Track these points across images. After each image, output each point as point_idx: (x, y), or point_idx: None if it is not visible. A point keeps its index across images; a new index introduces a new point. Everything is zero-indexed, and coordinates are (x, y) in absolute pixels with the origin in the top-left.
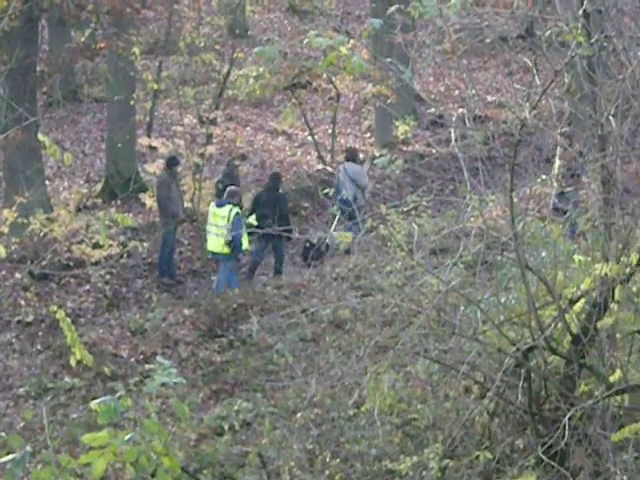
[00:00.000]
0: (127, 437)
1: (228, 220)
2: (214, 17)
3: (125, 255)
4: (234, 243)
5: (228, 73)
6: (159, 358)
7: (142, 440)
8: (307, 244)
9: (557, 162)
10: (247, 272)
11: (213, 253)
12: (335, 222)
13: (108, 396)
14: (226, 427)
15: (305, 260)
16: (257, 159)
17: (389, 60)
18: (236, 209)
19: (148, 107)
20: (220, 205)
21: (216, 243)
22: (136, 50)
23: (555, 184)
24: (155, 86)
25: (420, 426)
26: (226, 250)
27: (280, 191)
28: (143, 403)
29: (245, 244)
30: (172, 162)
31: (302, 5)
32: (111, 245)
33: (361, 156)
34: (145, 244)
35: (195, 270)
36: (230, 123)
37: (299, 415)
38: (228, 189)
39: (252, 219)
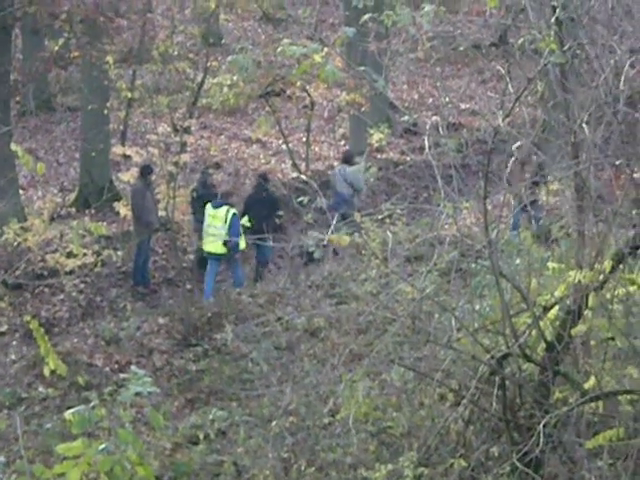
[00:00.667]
0: (101, 447)
1: (225, 221)
2: (188, 26)
3: (99, 264)
4: (231, 243)
5: (202, 82)
6: (133, 367)
7: (116, 450)
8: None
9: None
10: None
11: (210, 254)
12: (334, 222)
13: (82, 406)
14: (201, 436)
15: (306, 263)
16: (231, 167)
17: (363, 68)
18: (233, 210)
19: (122, 116)
20: (216, 206)
21: (213, 244)
22: (110, 59)
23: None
24: (129, 95)
25: (395, 434)
26: (223, 250)
27: (268, 191)
28: (117, 412)
29: (242, 244)
30: (146, 171)
31: (276, 13)
32: (85, 254)
33: (357, 159)
34: (119, 253)
35: (170, 279)
36: (204, 131)
37: (274, 423)
38: (222, 190)
39: (245, 221)
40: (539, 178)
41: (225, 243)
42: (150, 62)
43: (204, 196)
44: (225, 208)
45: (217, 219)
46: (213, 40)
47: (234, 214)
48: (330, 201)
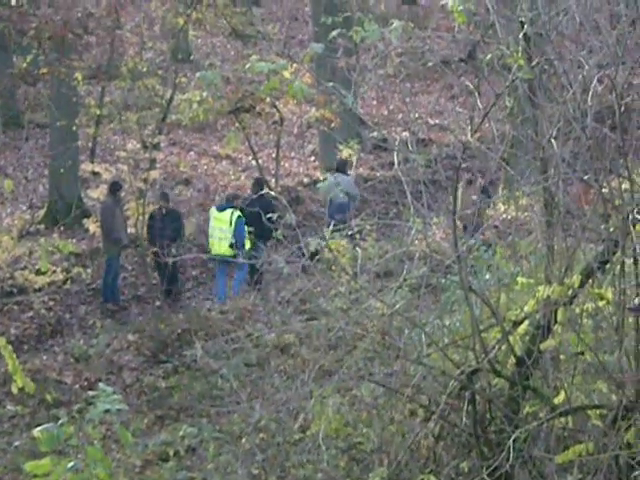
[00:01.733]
0: (70, 464)
1: (230, 224)
2: (157, 42)
3: (68, 281)
4: (238, 245)
5: (171, 98)
6: (102, 385)
7: (85, 467)
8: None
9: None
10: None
11: (217, 256)
12: (330, 229)
13: (51, 423)
14: (171, 453)
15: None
16: (201, 184)
17: (332, 84)
18: (237, 212)
19: (91, 132)
20: (221, 210)
21: (220, 246)
22: (78, 75)
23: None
24: (98, 111)
25: (365, 450)
26: (230, 252)
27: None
28: (86, 430)
29: (247, 245)
30: (115, 187)
31: (245, 30)
32: (54, 271)
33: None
34: (89, 270)
35: (139, 295)
36: (174, 148)
37: (244, 440)
38: (227, 193)
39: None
40: (484, 200)
41: (231, 245)
42: (119, 78)
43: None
44: (229, 211)
45: (222, 222)
46: (182, 56)
47: (239, 216)
48: (325, 209)
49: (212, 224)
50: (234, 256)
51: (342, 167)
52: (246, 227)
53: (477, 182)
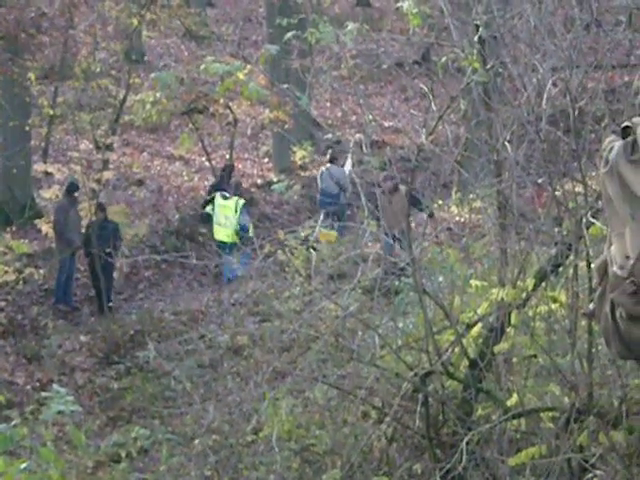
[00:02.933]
0: (23, 465)
1: (236, 211)
2: (110, 42)
3: (21, 282)
4: (243, 231)
5: (124, 98)
6: (55, 386)
7: (38, 468)
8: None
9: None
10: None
11: (222, 242)
12: (322, 219)
13: (3, 424)
14: (123, 454)
15: None
16: (154, 184)
17: (286, 86)
18: (242, 200)
19: (44, 133)
20: (226, 198)
21: (225, 233)
22: (31, 75)
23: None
24: (51, 112)
25: (318, 452)
26: (235, 238)
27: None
28: (39, 431)
29: (251, 231)
30: (72, 188)
31: (199, 30)
32: (6, 272)
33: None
34: (41, 271)
35: (92, 297)
36: (127, 148)
37: (197, 442)
38: (232, 181)
39: (209, 209)
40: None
41: (237, 231)
42: (72, 79)
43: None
44: (235, 198)
45: (227, 209)
46: (136, 57)
47: (243, 204)
48: (317, 199)
49: (217, 211)
50: (236, 242)
51: (334, 158)
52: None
53: (400, 191)
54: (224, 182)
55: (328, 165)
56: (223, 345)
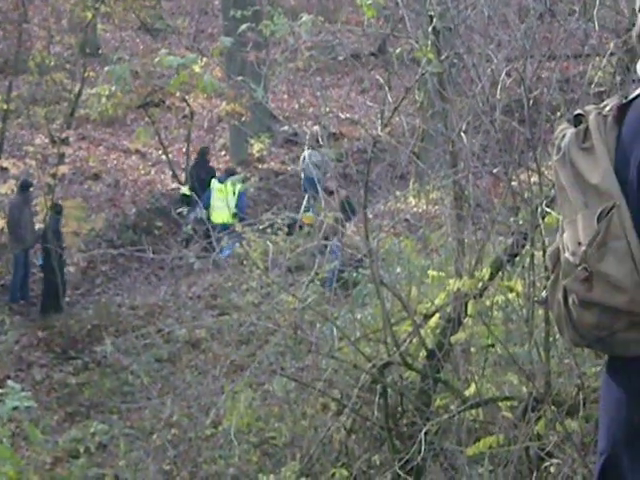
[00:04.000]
0: None
1: (233, 193)
2: (65, 36)
3: None
4: (240, 212)
5: (79, 92)
6: (10, 382)
7: None
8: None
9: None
10: None
11: (219, 224)
12: (304, 203)
13: None
14: (82, 450)
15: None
16: (111, 178)
17: (241, 78)
18: (239, 184)
19: None
20: (222, 181)
21: (222, 215)
22: None
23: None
24: (5, 106)
25: (278, 444)
26: (232, 220)
27: (210, 165)
28: None
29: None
30: (25, 185)
31: (154, 23)
32: None
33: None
34: None
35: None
36: (82, 142)
37: (155, 436)
38: (226, 167)
39: (186, 190)
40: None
41: (234, 214)
42: (27, 73)
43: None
44: (229, 182)
45: (224, 192)
46: (90, 50)
47: (241, 188)
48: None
49: (214, 195)
50: (234, 223)
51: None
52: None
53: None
54: (200, 166)
55: (309, 151)
56: (181, 339)
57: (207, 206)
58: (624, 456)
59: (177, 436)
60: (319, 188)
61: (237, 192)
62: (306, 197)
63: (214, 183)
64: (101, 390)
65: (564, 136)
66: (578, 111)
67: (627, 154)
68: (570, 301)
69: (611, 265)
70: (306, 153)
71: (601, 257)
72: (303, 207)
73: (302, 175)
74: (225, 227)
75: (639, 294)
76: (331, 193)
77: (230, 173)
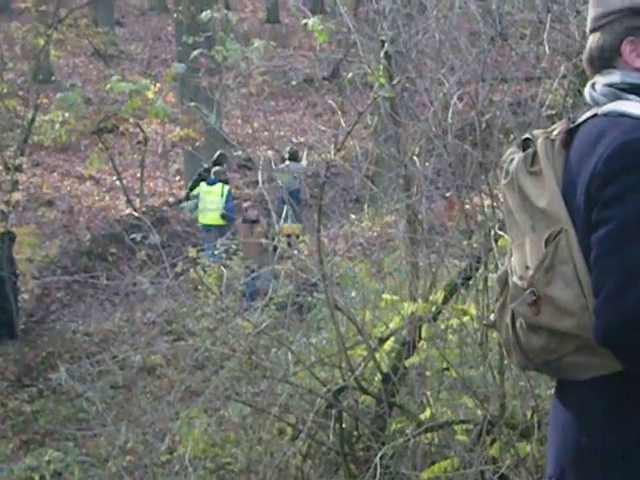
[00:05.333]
0: None
1: (222, 196)
2: (17, 63)
3: None
4: (229, 215)
5: (33, 119)
6: None
7: None
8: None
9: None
10: None
11: (208, 226)
12: (284, 214)
13: None
14: (37, 478)
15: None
16: (65, 205)
17: (194, 104)
18: (227, 187)
19: None
20: (211, 183)
21: (211, 217)
22: None
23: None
24: None
25: (234, 470)
26: (221, 222)
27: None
28: None
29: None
30: None
31: (107, 49)
32: None
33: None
34: None
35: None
36: (36, 169)
37: (111, 463)
38: (214, 169)
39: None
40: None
41: (223, 215)
42: None
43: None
44: (220, 185)
45: (213, 194)
46: (43, 77)
47: (229, 190)
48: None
49: (203, 197)
50: (223, 225)
51: (294, 155)
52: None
53: (260, 222)
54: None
55: (287, 162)
56: (136, 365)
57: (196, 208)
58: None
59: (132, 462)
60: (302, 193)
61: (225, 194)
62: (285, 208)
63: (203, 186)
64: (56, 417)
65: (512, 160)
66: (526, 135)
67: (574, 178)
68: (518, 324)
69: (558, 289)
70: (283, 165)
71: (549, 281)
72: (282, 218)
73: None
74: (214, 228)
75: (586, 318)
76: (253, 222)
77: (219, 175)
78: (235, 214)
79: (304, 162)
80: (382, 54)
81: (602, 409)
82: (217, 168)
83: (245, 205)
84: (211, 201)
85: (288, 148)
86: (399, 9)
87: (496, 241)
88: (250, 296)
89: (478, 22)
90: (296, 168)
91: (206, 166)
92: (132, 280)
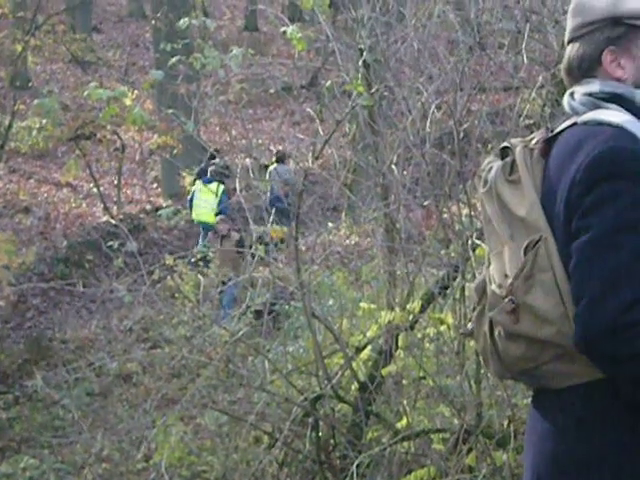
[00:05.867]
0: None
1: (216, 195)
2: None
3: None
4: (223, 212)
5: (10, 125)
6: None
7: None
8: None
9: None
10: None
11: (202, 222)
12: (271, 217)
13: None
14: None
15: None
16: (41, 211)
17: (172, 111)
18: (222, 186)
19: None
20: (208, 182)
21: (206, 214)
22: None
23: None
24: None
25: (210, 478)
26: (213, 220)
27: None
28: None
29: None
30: None
31: (85, 56)
32: None
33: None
34: None
35: None
36: (13, 176)
37: (86, 470)
38: (211, 169)
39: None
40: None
41: (217, 214)
42: None
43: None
44: (215, 183)
45: (208, 193)
46: (21, 83)
47: (223, 190)
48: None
49: (198, 195)
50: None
51: (281, 158)
52: None
53: (231, 235)
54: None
55: (275, 165)
56: (112, 373)
57: (190, 206)
58: None
59: (108, 470)
60: (291, 196)
61: (220, 193)
62: (273, 211)
63: (198, 184)
64: (32, 425)
65: (491, 169)
66: (505, 144)
67: (554, 187)
68: (496, 333)
69: (538, 297)
70: (272, 168)
71: (528, 289)
72: (271, 222)
73: (269, 188)
74: (210, 225)
75: (565, 326)
76: (223, 237)
77: (216, 175)
78: (229, 213)
79: (292, 165)
80: (360, 62)
81: (579, 418)
82: (214, 167)
83: (217, 219)
84: (205, 200)
85: (277, 151)
86: (377, 17)
87: (474, 250)
88: (227, 304)
89: (456, 31)
90: (284, 171)
91: (202, 165)
92: (109, 287)
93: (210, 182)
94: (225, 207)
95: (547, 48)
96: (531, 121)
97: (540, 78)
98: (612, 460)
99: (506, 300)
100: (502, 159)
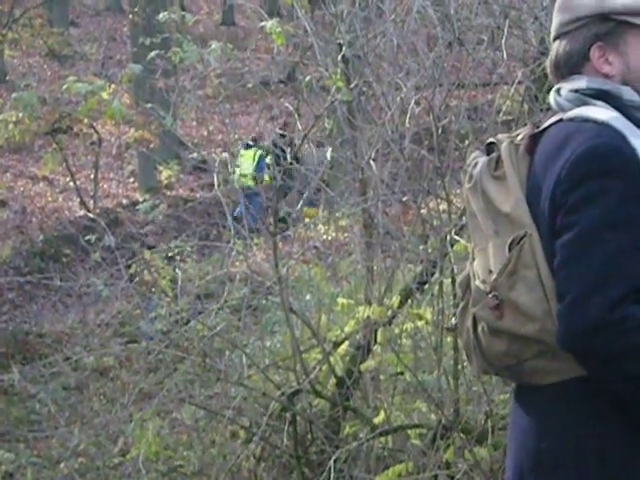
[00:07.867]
0: None
1: (254, 159)
2: None
3: None
4: (259, 177)
5: None
6: None
7: None
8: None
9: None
10: None
11: (242, 189)
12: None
13: None
14: None
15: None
16: (18, 205)
17: (150, 105)
18: (260, 151)
19: None
20: (247, 148)
21: (244, 180)
22: None
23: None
24: None
25: (186, 472)
26: (252, 183)
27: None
28: None
29: (266, 178)
30: None
31: (62, 50)
32: None
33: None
34: None
35: None
36: None
37: (63, 465)
38: (252, 136)
39: None
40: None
41: (254, 177)
42: None
43: None
44: (254, 150)
45: (247, 158)
46: None
47: (261, 155)
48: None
49: (241, 161)
50: (253, 186)
51: (255, 141)
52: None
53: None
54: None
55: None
56: (89, 367)
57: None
58: None
59: (85, 465)
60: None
61: (257, 158)
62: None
63: (241, 151)
64: (8, 419)
65: (476, 164)
66: (490, 140)
67: (539, 183)
68: (480, 329)
69: (522, 293)
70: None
71: (512, 285)
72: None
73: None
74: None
75: (549, 323)
76: (150, 248)
77: (255, 141)
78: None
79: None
80: (339, 57)
81: (562, 414)
82: (253, 135)
83: (145, 229)
84: (245, 165)
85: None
86: (357, 12)
87: (452, 246)
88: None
89: (436, 27)
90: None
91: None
92: (86, 282)
93: (249, 148)
94: (262, 170)
95: (526, 44)
96: (509, 117)
97: (519, 74)
98: (595, 456)
99: (490, 296)
100: (488, 155)
